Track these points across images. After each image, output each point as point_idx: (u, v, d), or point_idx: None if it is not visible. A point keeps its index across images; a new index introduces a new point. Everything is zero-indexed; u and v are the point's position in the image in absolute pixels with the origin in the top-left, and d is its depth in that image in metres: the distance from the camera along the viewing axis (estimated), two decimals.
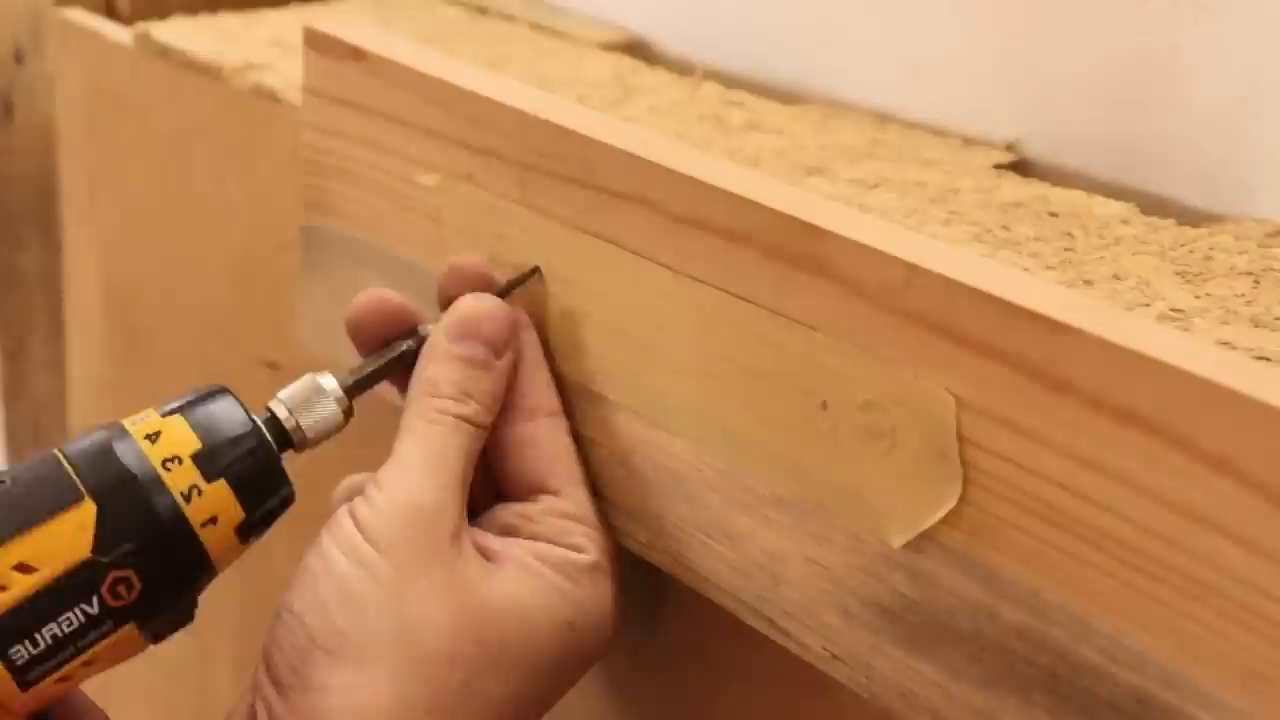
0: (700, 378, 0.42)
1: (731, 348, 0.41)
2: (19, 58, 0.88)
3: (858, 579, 0.39)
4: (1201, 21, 0.56)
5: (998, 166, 0.60)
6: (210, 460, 0.41)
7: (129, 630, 0.41)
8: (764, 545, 0.42)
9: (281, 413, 0.44)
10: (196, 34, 0.74)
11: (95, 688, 0.43)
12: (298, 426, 0.44)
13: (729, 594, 0.43)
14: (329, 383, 0.45)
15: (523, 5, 0.82)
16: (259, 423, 0.43)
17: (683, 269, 0.42)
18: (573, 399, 0.47)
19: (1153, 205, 0.55)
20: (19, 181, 0.92)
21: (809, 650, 0.41)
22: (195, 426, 0.42)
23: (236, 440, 0.42)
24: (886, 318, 0.37)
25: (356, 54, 0.52)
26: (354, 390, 0.45)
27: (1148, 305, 0.45)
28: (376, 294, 0.47)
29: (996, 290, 0.35)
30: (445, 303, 0.46)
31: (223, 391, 0.43)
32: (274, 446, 0.43)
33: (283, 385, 0.45)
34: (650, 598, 0.50)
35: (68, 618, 0.39)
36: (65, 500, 0.40)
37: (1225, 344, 0.42)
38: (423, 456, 0.43)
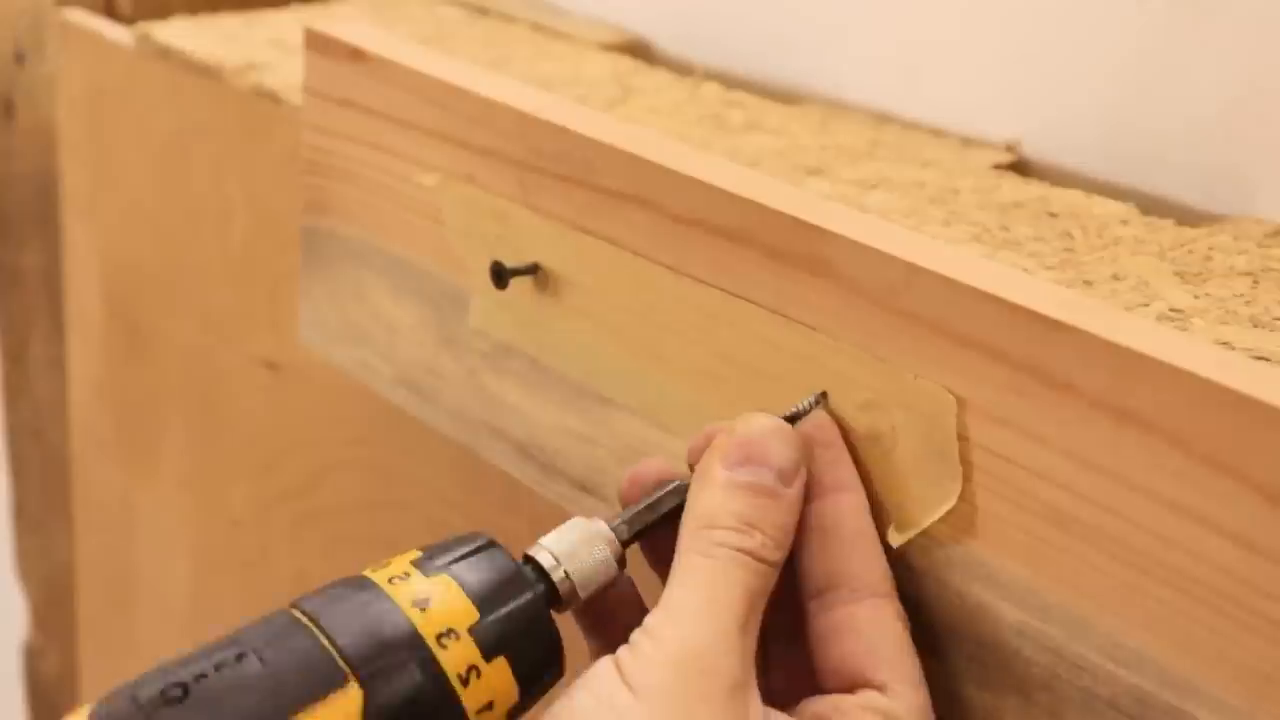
0: (700, 378, 0.42)
1: (731, 348, 0.41)
2: (20, 58, 0.88)
3: None
4: (1201, 21, 0.56)
5: (997, 166, 0.60)
6: (490, 635, 0.35)
7: None
8: None
9: (547, 562, 0.37)
10: (197, 34, 0.74)
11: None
12: (566, 578, 0.37)
13: None
14: (600, 527, 0.38)
15: (523, 5, 0.82)
16: (540, 586, 0.37)
17: (683, 269, 0.42)
18: (573, 399, 0.47)
19: (1152, 205, 0.55)
20: (20, 181, 0.92)
21: None
22: (470, 591, 0.36)
23: (519, 611, 0.36)
24: (887, 317, 0.37)
25: (357, 55, 0.52)
26: (630, 537, 0.39)
27: (1147, 305, 0.45)
28: (658, 465, 0.41)
29: (996, 290, 0.35)
30: (625, 503, 0.40)
31: (492, 544, 0.37)
32: (552, 615, 0.37)
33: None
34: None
35: None
36: (329, 684, 0.34)
37: (1224, 344, 0.42)
38: (698, 596, 0.36)
